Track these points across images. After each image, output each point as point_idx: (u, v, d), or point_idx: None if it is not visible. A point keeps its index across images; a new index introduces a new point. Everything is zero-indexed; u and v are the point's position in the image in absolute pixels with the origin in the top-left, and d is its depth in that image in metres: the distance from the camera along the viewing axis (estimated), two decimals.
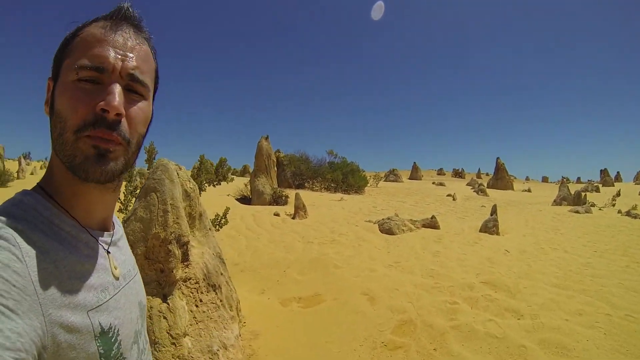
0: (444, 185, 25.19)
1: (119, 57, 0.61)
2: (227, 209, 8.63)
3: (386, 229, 8.15)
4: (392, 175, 28.94)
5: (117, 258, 0.73)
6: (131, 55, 0.63)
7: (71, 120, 0.58)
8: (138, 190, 5.58)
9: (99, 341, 0.59)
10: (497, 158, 28.16)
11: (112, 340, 0.62)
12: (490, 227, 8.48)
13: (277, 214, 10.43)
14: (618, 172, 44.28)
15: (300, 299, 4.57)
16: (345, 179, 17.90)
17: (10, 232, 0.53)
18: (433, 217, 8.89)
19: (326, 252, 6.54)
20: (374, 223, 8.81)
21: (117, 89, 0.59)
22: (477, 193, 19.76)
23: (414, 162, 34.83)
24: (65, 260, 0.57)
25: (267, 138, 15.43)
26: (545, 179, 50.00)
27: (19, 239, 0.53)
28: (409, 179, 32.72)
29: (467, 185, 26.18)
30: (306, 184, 17.72)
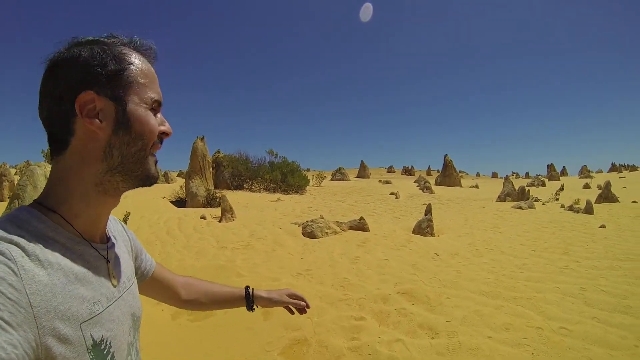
0: (390, 183, 24.36)
1: None
2: (128, 214, 7.70)
3: (308, 232, 7.33)
4: (338, 174, 28.11)
5: (116, 267, 0.75)
6: None
7: (149, 140, 0.70)
8: None
9: (92, 354, 0.60)
10: (445, 155, 27.77)
11: (105, 353, 0.63)
12: (423, 227, 7.82)
13: (203, 217, 9.66)
14: (564, 167, 46.20)
15: (191, 312, 3.86)
16: (284, 178, 17.10)
17: (5, 246, 0.54)
18: (362, 218, 8.11)
19: (235, 258, 5.69)
20: (299, 225, 7.97)
21: None
22: (423, 190, 19.08)
23: (362, 160, 33.81)
24: (58, 272, 0.58)
25: (202, 138, 14.60)
26: (495, 175, 50.53)
27: (15, 253, 0.55)
28: (357, 177, 32.00)
29: (414, 182, 25.89)
30: (245, 185, 16.69)
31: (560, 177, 41.06)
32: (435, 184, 26.25)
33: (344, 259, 5.70)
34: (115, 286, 0.71)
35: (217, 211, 10.74)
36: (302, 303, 1.26)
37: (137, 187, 0.71)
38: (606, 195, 14.36)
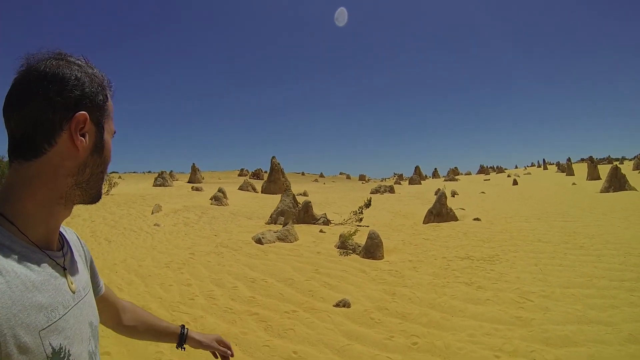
0: (200, 191, 19.53)
1: None
2: None
3: None
4: (159, 179, 22.44)
5: (73, 275, 0.73)
6: None
7: (107, 164, 0.75)
8: None
9: None
10: (272, 157, 23.29)
11: None
12: None
13: None
14: (435, 169, 46.35)
15: None
16: None
17: None
18: None
19: None
20: None
21: None
22: (213, 201, 14.65)
23: (193, 163, 29.06)
24: (16, 280, 0.56)
25: None
26: (362, 177, 49.38)
27: None
28: (188, 182, 26.95)
29: (238, 189, 21.08)
30: None
31: (428, 180, 39.61)
32: (262, 191, 22.06)
33: None
34: (73, 293, 0.69)
35: None
36: (228, 351, 1.22)
37: (86, 204, 0.74)
38: (438, 212, 10.28)
